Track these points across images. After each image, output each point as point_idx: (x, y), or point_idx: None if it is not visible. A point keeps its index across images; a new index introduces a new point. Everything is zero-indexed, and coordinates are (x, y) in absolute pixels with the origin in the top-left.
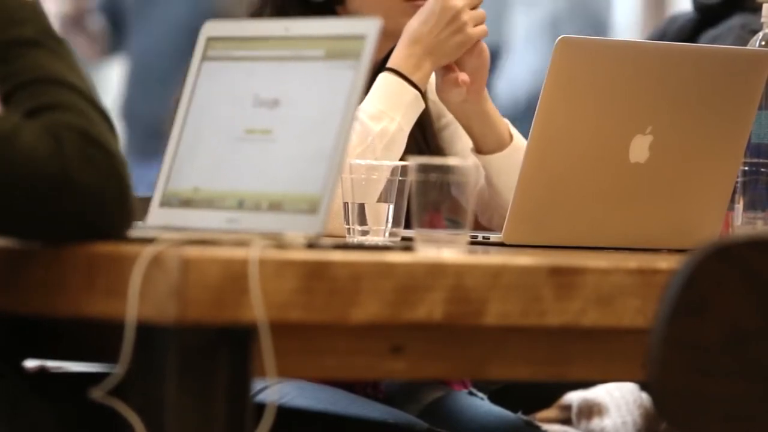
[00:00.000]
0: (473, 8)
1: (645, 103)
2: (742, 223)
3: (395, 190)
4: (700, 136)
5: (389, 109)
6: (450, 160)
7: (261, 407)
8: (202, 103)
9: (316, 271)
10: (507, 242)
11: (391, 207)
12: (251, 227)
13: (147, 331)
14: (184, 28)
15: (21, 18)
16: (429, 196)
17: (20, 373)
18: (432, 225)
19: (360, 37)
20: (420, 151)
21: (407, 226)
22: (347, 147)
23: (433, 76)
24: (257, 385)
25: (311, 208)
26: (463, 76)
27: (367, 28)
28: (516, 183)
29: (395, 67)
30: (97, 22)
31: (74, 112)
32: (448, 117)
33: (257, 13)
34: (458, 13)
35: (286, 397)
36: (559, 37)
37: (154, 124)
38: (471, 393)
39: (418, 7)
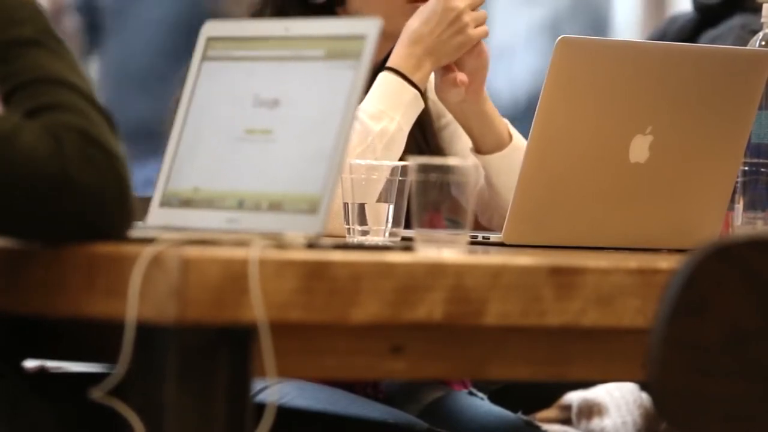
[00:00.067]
0: (474, 9)
1: (645, 103)
2: (742, 223)
3: (395, 190)
4: (700, 136)
5: (389, 108)
6: (450, 160)
7: (261, 407)
8: (202, 103)
9: (316, 271)
10: (507, 242)
11: (391, 207)
12: (251, 227)
13: (147, 331)
14: (161, 29)
15: (21, 18)
16: (429, 196)
17: (20, 373)
18: (432, 225)
19: (360, 37)
20: (420, 151)
21: (407, 226)
22: (347, 147)
23: (432, 75)
24: (257, 385)
25: (311, 208)
26: (462, 77)
27: (367, 28)
28: (516, 183)
29: (395, 67)
30: (73, 22)
31: (74, 112)
32: (448, 117)
33: (257, 13)
34: (460, 14)
35: (286, 397)
36: (559, 37)
37: (130, 124)
38: (471, 393)
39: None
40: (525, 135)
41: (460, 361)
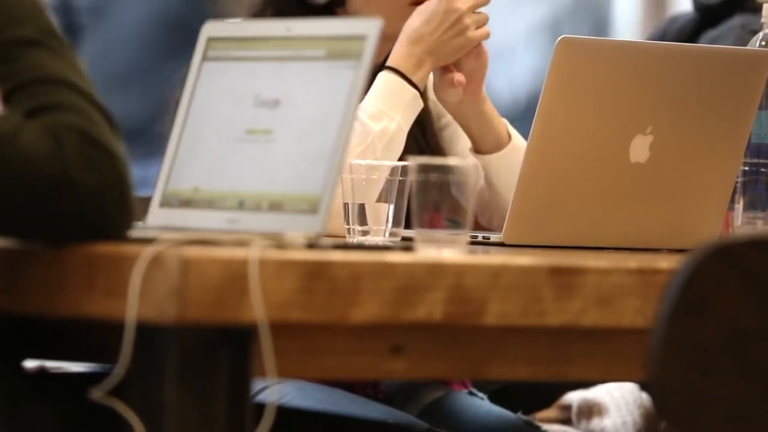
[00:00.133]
0: (476, 10)
1: (645, 103)
2: (742, 223)
3: (395, 190)
4: (700, 136)
5: (389, 108)
6: (450, 160)
7: (261, 407)
8: (202, 103)
9: (316, 271)
10: (507, 242)
11: (391, 207)
12: (251, 227)
13: (147, 331)
14: (140, 28)
15: (21, 17)
16: (429, 196)
17: (20, 373)
18: (432, 225)
19: (361, 38)
20: (420, 151)
21: (407, 226)
22: (347, 147)
23: (431, 75)
24: (257, 385)
25: (311, 208)
26: (459, 77)
27: (367, 28)
28: (515, 183)
29: (395, 66)
30: None
31: (74, 113)
32: (449, 117)
33: (258, 14)
34: (461, 16)
35: (286, 397)
36: (560, 37)
37: None
38: (471, 393)
39: None
40: (525, 135)
41: (460, 361)
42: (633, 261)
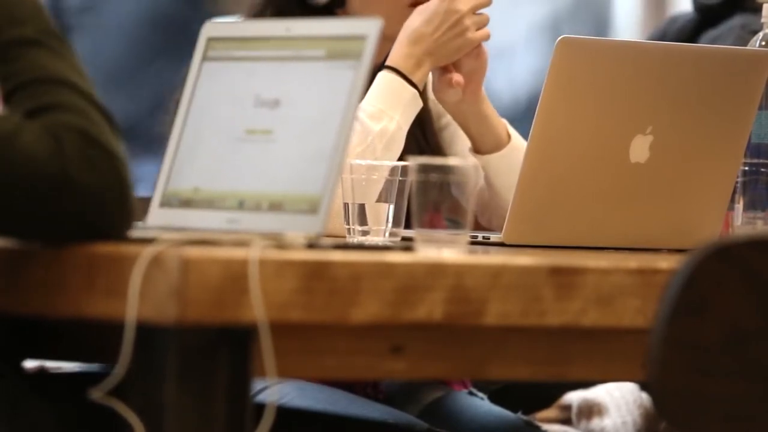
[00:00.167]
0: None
1: (645, 103)
2: (742, 223)
3: (395, 190)
4: (700, 136)
5: (388, 108)
6: (450, 160)
7: (261, 407)
8: (202, 103)
9: (316, 271)
10: (507, 242)
11: (391, 207)
12: (251, 227)
13: (147, 331)
14: (129, 27)
15: (22, 17)
16: (429, 196)
17: (20, 373)
18: (432, 225)
19: (361, 38)
20: (420, 151)
21: (407, 226)
22: (347, 147)
23: (430, 75)
24: (257, 385)
25: (311, 208)
26: (458, 78)
27: (367, 28)
28: (515, 183)
29: (395, 66)
30: None
31: (75, 113)
32: (449, 117)
33: (258, 15)
34: (462, 17)
35: (286, 397)
36: (560, 37)
37: None
38: (471, 393)
39: None
40: (525, 135)
41: (460, 361)
42: (633, 261)
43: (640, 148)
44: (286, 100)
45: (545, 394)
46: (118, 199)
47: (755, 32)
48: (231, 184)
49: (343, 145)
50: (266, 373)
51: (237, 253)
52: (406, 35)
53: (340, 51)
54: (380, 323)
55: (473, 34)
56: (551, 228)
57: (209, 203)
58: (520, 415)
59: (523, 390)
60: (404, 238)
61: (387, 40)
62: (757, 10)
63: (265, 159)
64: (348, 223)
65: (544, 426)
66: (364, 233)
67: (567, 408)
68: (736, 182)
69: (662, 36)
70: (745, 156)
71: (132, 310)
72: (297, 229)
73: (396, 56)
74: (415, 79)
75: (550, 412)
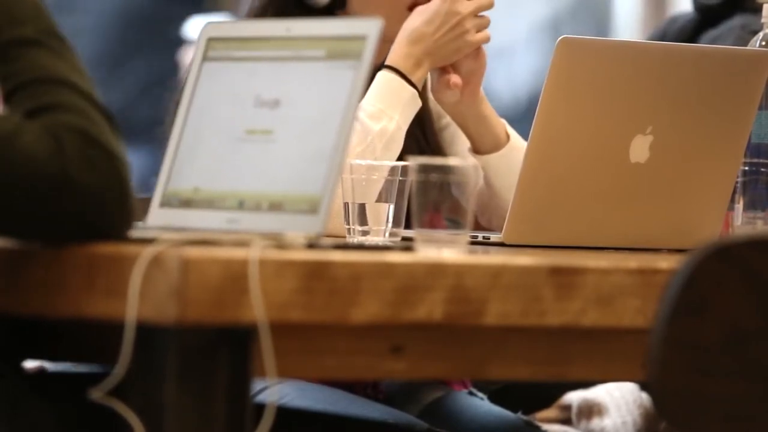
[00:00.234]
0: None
1: (645, 103)
2: (742, 223)
3: (395, 190)
4: (700, 136)
5: (388, 107)
6: (450, 160)
7: (261, 407)
8: (202, 103)
9: (316, 271)
10: (507, 242)
11: (391, 207)
12: (251, 227)
13: (147, 331)
14: (103, 25)
15: (22, 17)
16: (429, 196)
17: (20, 373)
18: (432, 225)
19: (361, 38)
20: (421, 150)
21: (407, 226)
22: (348, 147)
23: (428, 75)
24: (257, 385)
25: (311, 208)
26: (455, 79)
27: (368, 28)
28: (514, 183)
29: (394, 65)
30: None
31: (75, 113)
32: (449, 117)
33: (258, 16)
34: (462, 19)
35: (286, 397)
36: (560, 38)
37: None
38: (471, 393)
39: None
40: (525, 135)
41: (460, 361)
42: (633, 261)
43: (640, 148)
44: (286, 100)
45: (545, 394)
46: (118, 199)
47: (755, 32)
48: (231, 184)
49: (343, 145)
50: (266, 373)
51: (237, 253)
52: (405, 35)
53: (340, 51)
54: (380, 323)
55: (473, 37)
56: (551, 228)
57: (209, 203)
58: (520, 415)
59: (523, 390)
60: (404, 238)
61: (386, 41)
62: (757, 10)
63: (265, 159)
64: (348, 223)
65: (544, 426)
66: (364, 233)
67: (567, 408)
68: (736, 182)
69: (662, 36)
70: (745, 156)
71: (132, 310)
72: (297, 229)
73: (395, 56)
74: (414, 79)
75: (550, 412)
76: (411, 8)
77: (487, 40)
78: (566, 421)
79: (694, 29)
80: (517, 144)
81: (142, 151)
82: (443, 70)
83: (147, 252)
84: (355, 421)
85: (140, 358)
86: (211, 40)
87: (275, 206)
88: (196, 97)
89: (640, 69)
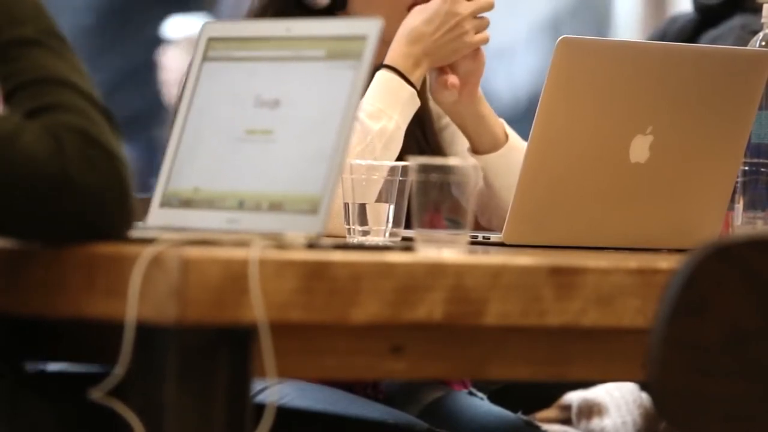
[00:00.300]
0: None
1: (645, 103)
2: (742, 223)
3: (395, 190)
4: (700, 136)
5: (387, 107)
6: (450, 160)
7: (261, 407)
8: (202, 103)
9: (316, 271)
10: (507, 242)
11: (392, 207)
12: (251, 227)
13: (147, 331)
14: (77, 20)
15: (22, 17)
16: (429, 196)
17: (20, 373)
18: (432, 225)
19: (361, 38)
20: (421, 151)
21: (407, 226)
22: (348, 147)
23: (427, 75)
24: (257, 385)
25: (312, 208)
26: (453, 80)
27: (368, 28)
28: (514, 183)
29: (393, 65)
30: None
31: (75, 113)
32: (448, 118)
33: (258, 16)
34: (462, 20)
35: (286, 397)
36: (560, 38)
37: None
38: (471, 393)
39: None
40: (525, 135)
41: (460, 361)
42: (633, 261)
43: (640, 148)
44: (287, 100)
45: (545, 394)
46: (118, 199)
47: (755, 32)
48: (231, 184)
49: (343, 145)
50: (266, 373)
51: (237, 253)
52: (405, 34)
53: (340, 51)
54: (380, 323)
55: (472, 38)
56: (551, 228)
57: (209, 203)
58: (520, 415)
59: (523, 390)
60: (404, 238)
61: (386, 43)
62: (757, 10)
63: (265, 159)
64: (348, 223)
65: (544, 426)
66: (364, 233)
67: (567, 408)
68: (736, 182)
69: (662, 36)
70: (745, 156)
71: (132, 310)
72: (297, 229)
73: (394, 55)
74: (413, 79)
75: (550, 412)
76: (411, 9)
77: (486, 41)
78: (566, 421)
79: (694, 29)
80: (516, 144)
81: None
82: (441, 71)
83: (147, 252)
84: (355, 421)
85: (140, 358)
86: (211, 40)
87: (275, 206)
88: (196, 97)
89: (640, 69)
